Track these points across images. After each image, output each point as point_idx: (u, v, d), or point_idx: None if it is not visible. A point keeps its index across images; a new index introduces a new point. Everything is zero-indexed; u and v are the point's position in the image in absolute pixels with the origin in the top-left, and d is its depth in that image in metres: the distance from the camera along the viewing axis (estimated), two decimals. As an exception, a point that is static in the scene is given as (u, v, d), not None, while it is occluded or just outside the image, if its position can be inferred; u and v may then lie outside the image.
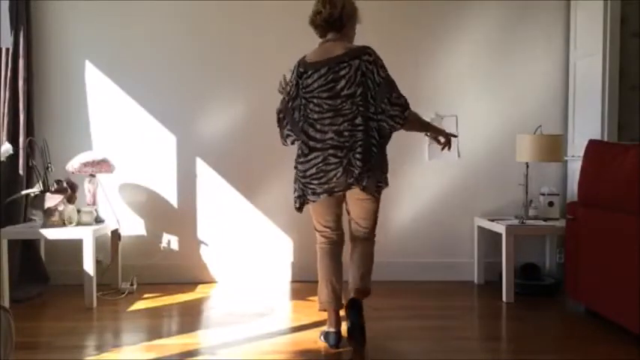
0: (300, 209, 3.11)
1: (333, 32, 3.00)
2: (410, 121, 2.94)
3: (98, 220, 4.06)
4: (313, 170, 2.95)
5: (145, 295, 4.04)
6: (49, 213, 3.83)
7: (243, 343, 3.11)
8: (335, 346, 3.03)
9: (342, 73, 2.88)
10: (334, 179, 2.92)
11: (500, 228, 3.98)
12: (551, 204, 4.23)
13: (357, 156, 2.88)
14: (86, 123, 4.36)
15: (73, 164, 4.00)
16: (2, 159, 3.88)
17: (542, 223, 4.05)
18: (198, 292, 4.18)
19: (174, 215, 4.42)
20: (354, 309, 2.92)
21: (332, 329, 3.07)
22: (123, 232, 4.28)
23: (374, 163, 2.92)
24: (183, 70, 4.38)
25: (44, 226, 3.81)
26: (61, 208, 3.86)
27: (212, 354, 2.96)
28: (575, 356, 2.94)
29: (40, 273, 4.17)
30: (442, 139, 3.12)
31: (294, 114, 3.00)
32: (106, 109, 4.37)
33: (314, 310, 3.69)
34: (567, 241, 3.74)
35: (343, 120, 2.89)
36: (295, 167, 3.07)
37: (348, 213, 3.12)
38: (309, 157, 2.95)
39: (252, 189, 4.44)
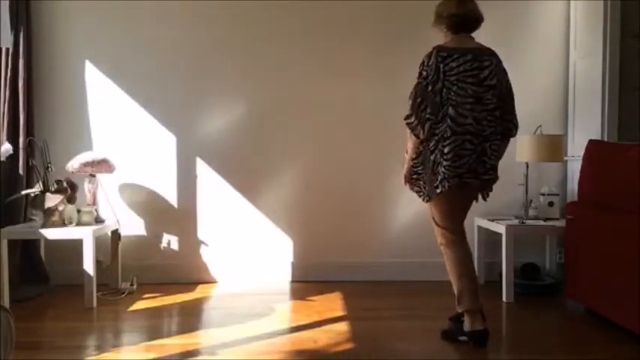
0: (438, 194, 3.01)
1: (465, 31, 3.08)
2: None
3: (98, 220, 4.06)
4: (451, 154, 2.94)
5: (145, 295, 4.04)
6: (49, 213, 3.83)
7: (243, 343, 3.11)
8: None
9: (486, 64, 2.99)
10: (466, 165, 2.96)
11: (500, 228, 3.98)
12: (551, 204, 4.23)
13: (494, 147, 2.99)
14: (86, 123, 4.36)
15: (73, 164, 4.00)
16: (2, 159, 3.88)
17: (542, 223, 4.05)
18: (198, 292, 4.18)
19: (174, 215, 4.42)
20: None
21: (481, 327, 3.04)
22: (123, 232, 4.28)
23: (496, 163, 3.03)
24: (183, 70, 4.38)
25: (44, 226, 3.81)
26: (61, 208, 3.86)
27: (212, 354, 2.96)
28: (575, 356, 2.94)
29: (40, 273, 4.17)
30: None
31: (436, 97, 2.95)
32: (106, 109, 4.37)
33: (314, 310, 3.70)
34: (567, 241, 3.74)
35: (482, 109, 2.96)
36: (432, 152, 2.99)
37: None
38: (449, 141, 2.94)
39: (252, 189, 4.44)
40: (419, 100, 2.96)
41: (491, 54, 3.04)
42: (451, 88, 2.95)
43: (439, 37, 3.04)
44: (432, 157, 3.00)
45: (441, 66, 2.95)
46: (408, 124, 2.99)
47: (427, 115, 2.95)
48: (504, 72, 3.08)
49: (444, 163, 2.95)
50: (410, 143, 3.08)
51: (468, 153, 2.96)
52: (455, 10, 3.03)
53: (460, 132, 2.94)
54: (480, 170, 2.99)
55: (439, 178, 2.98)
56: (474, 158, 2.96)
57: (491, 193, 3.17)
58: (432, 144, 2.99)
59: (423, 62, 3.00)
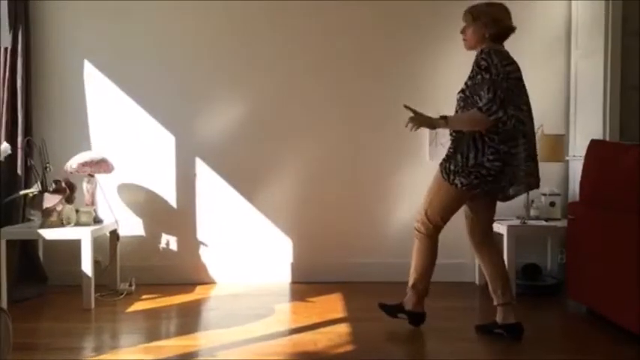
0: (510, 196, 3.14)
1: (500, 42, 3.15)
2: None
3: (97, 221, 4.04)
4: (524, 154, 3.00)
5: (144, 296, 4.02)
6: (47, 213, 3.82)
7: (242, 345, 3.09)
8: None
9: (521, 74, 3.08)
10: (532, 167, 3.07)
11: (501, 228, 3.96)
12: (552, 204, 4.21)
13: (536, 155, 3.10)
14: (85, 123, 4.34)
15: (72, 164, 3.99)
16: (1, 159, 3.86)
17: (544, 223, 4.04)
18: (198, 293, 4.17)
19: (173, 216, 4.40)
20: None
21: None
22: (121, 233, 4.26)
23: None
24: (183, 69, 4.37)
25: (42, 226, 3.80)
26: (59, 208, 3.84)
27: (211, 355, 2.95)
28: (576, 356, 2.93)
29: (39, 273, 4.15)
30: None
31: (511, 93, 2.97)
32: (105, 108, 4.36)
33: (313, 311, 3.68)
34: (569, 241, 3.73)
35: (531, 118, 3.08)
36: (499, 152, 2.97)
37: (477, 214, 3.21)
38: (520, 141, 2.99)
39: (252, 189, 4.42)
40: (501, 95, 2.92)
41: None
42: (513, 90, 2.98)
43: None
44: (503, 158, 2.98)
45: (500, 66, 2.96)
46: (497, 119, 2.91)
47: (512, 112, 2.94)
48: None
49: (517, 162, 2.99)
50: (466, 127, 3.03)
51: (534, 157, 3.07)
52: (510, 22, 3.10)
53: (528, 133, 3.03)
54: (536, 175, 3.10)
55: (516, 181, 3.02)
56: (533, 164, 3.06)
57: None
58: (500, 143, 2.96)
59: (486, 60, 2.97)
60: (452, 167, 3.06)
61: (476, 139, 3.00)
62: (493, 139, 2.96)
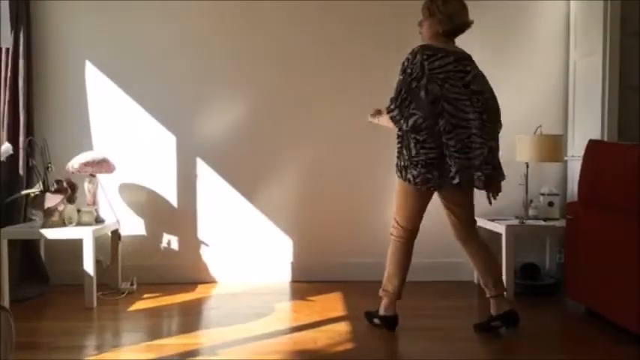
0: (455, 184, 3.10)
1: (453, 37, 3.19)
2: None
3: (98, 220, 4.06)
4: (458, 146, 3.03)
5: (145, 295, 4.04)
6: (49, 213, 3.83)
7: (243, 343, 3.11)
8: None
9: (468, 68, 3.10)
10: (481, 157, 3.03)
11: (500, 228, 3.98)
12: (551, 204, 4.22)
13: (493, 145, 3.09)
14: (86, 123, 4.36)
15: (73, 164, 4.00)
16: (2, 159, 3.88)
17: (542, 223, 4.05)
18: (198, 292, 4.18)
19: (174, 215, 4.42)
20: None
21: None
22: (123, 232, 4.27)
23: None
24: (184, 70, 4.38)
25: (44, 226, 3.81)
26: (61, 208, 3.86)
27: (212, 354, 2.96)
28: (575, 356, 2.94)
29: (40, 273, 4.17)
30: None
31: (420, 93, 3.02)
32: (106, 109, 4.37)
33: (314, 310, 3.70)
34: (567, 241, 3.74)
35: (474, 110, 3.06)
36: (414, 149, 3.07)
37: (454, 212, 3.24)
38: (450, 135, 3.02)
39: (252, 189, 4.44)
40: (404, 95, 3.04)
41: (471, 60, 3.15)
42: (443, 85, 3.02)
43: (419, 37, 3.08)
44: (432, 155, 3.05)
45: (426, 64, 3.02)
46: (391, 117, 3.08)
47: (412, 111, 3.02)
48: (484, 77, 3.16)
49: (455, 155, 3.02)
50: (388, 124, 3.16)
51: (479, 147, 3.03)
52: (465, 18, 3.13)
53: (465, 126, 3.04)
54: (494, 164, 3.09)
55: (454, 169, 3.03)
56: (486, 152, 3.04)
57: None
58: (427, 141, 3.04)
59: (408, 59, 3.08)
60: (402, 163, 3.14)
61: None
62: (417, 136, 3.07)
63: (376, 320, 3.34)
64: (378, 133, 4.40)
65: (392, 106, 3.06)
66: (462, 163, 3.03)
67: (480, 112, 3.05)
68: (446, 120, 3.02)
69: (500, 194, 3.21)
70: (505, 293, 3.26)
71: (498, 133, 3.17)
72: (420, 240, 4.37)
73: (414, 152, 3.07)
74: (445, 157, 3.05)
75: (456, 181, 3.04)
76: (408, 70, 3.05)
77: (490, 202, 3.19)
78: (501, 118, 3.19)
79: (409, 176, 3.09)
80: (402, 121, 3.04)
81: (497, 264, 3.30)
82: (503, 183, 4.30)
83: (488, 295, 3.23)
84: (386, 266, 3.31)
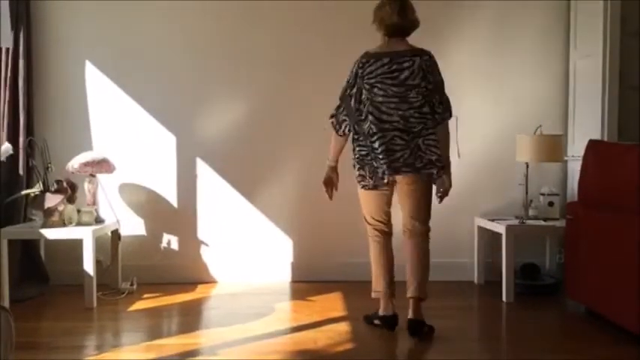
0: (386, 183, 3.23)
1: (399, 36, 3.23)
2: (443, 128, 3.21)
3: (98, 220, 4.06)
4: (382, 148, 3.13)
5: (145, 295, 4.04)
6: (49, 213, 3.83)
7: (243, 343, 3.11)
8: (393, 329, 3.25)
9: (405, 65, 3.14)
10: (401, 159, 3.13)
11: (500, 228, 3.98)
12: (551, 204, 4.22)
13: (427, 142, 3.15)
14: (86, 123, 4.36)
15: (73, 164, 4.00)
16: (2, 159, 3.88)
17: (542, 223, 4.05)
18: (198, 292, 4.18)
19: (174, 215, 4.42)
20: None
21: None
22: (123, 232, 4.27)
23: (433, 151, 3.18)
24: (184, 70, 4.38)
25: (44, 226, 3.81)
26: (61, 208, 3.86)
27: (212, 354, 2.96)
28: (575, 356, 2.94)
29: (40, 273, 4.17)
30: (442, 188, 3.27)
31: (351, 101, 3.22)
32: (106, 109, 4.37)
33: (314, 310, 3.70)
34: (567, 241, 3.74)
35: (409, 107, 3.13)
36: (354, 150, 3.26)
37: (403, 207, 3.31)
38: (375, 138, 3.14)
39: (253, 189, 4.44)
40: (339, 102, 3.26)
41: (414, 54, 3.16)
42: (371, 90, 3.16)
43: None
44: (363, 153, 3.22)
45: (360, 71, 3.19)
46: (331, 123, 3.30)
47: (342, 117, 3.24)
48: (431, 68, 3.17)
49: (380, 157, 3.13)
50: (332, 141, 3.35)
51: (400, 148, 3.13)
52: (396, 19, 3.17)
53: (387, 129, 3.14)
54: (417, 165, 3.16)
55: (380, 170, 3.17)
56: (408, 153, 3.14)
57: (446, 197, 3.30)
58: (360, 141, 3.21)
59: (350, 70, 3.25)
60: (353, 162, 3.30)
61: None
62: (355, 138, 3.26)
63: (376, 321, 3.35)
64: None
65: (332, 113, 3.29)
66: (388, 165, 3.14)
67: (417, 107, 3.13)
68: (370, 123, 3.15)
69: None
70: (420, 299, 3.25)
71: (445, 122, 3.21)
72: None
73: (354, 153, 3.27)
74: (369, 157, 3.20)
75: (385, 181, 3.20)
76: (348, 79, 3.25)
77: (439, 201, 3.30)
78: (451, 107, 3.23)
79: (356, 172, 3.29)
80: (337, 126, 3.27)
81: (425, 271, 3.32)
82: (503, 183, 4.34)
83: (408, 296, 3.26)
84: (372, 268, 3.40)
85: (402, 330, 3.27)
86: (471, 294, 4.15)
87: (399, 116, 3.12)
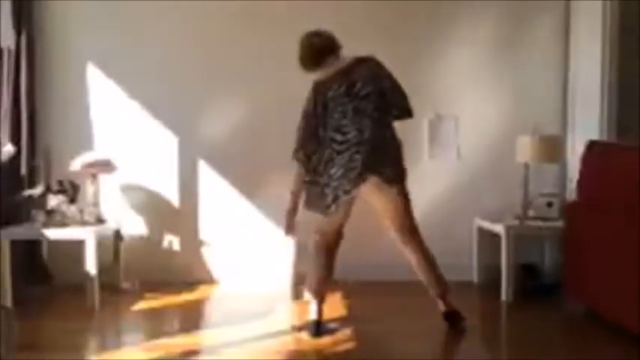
0: (332, 211, 3.19)
1: (330, 57, 3.22)
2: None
3: (100, 221, 4.07)
4: (341, 171, 3.09)
5: (147, 295, 4.05)
6: (51, 213, 3.85)
7: (244, 343, 3.12)
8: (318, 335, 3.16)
9: (355, 76, 3.12)
10: (360, 168, 3.07)
11: (499, 228, 3.98)
12: (550, 204, 4.22)
13: (381, 145, 3.11)
14: (88, 123, 4.37)
15: (75, 164, 4.02)
16: (4, 159, 3.89)
17: (542, 223, 4.05)
18: (200, 292, 4.19)
19: (175, 216, 4.43)
20: None
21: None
22: (124, 233, 4.29)
23: (396, 155, 3.17)
24: (185, 71, 4.39)
25: (46, 226, 3.83)
26: (63, 208, 3.87)
27: (213, 354, 2.98)
28: (574, 356, 2.95)
29: (43, 273, 4.18)
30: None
31: (318, 129, 3.15)
32: (108, 109, 4.38)
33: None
34: (566, 241, 3.75)
35: (363, 117, 3.09)
36: (321, 175, 3.16)
37: (385, 216, 3.33)
38: (336, 161, 3.11)
39: (254, 190, 4.45)
40: (307, 134, 3.17)
41: (357, 64, 3.15)
42: (333, 115, 3.12)
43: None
44: (321, 180, 3.15)
45: (320, 98, 3.14)
46: (297, 159, 3.20)
47: (312, 148, 3.16)
48: (378, 71, 3.16)
49: (333, 184, 3.10)
50: (295, 177, 3.26)
51: (358, 158, 3.08)
52: (316, 40, 3.21)
53: (345, 149, 3.10)
54: (380, 169, 3.11)
55: (329, 199, 3.12)
56: (367, 161, 3.07)
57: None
58: (320, 169, 3.15)
59: (307, 98, 3.19)
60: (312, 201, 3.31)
61: None
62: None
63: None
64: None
65: (296, 146, 3.21)
66: (343, 187, 3.10)
67: (369, 114, 3.09)
68: (331, 149, 3.11)
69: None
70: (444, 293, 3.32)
71: (402, 118, 3.22)
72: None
73: (313, 188, 3.23)
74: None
75: (331, 210, 3.18)
76: (307, 109, 3.19)
77: None
78: (408, 104, 3.22)
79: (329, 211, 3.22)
80: (296, 155, 3.19)
81: (432, 268, 3.36)
82: (503, 183, 4.33)
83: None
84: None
85: (402, 330, 3.29)
86: (470, 294, 4.15)
87: (355, 130, 3.09)
